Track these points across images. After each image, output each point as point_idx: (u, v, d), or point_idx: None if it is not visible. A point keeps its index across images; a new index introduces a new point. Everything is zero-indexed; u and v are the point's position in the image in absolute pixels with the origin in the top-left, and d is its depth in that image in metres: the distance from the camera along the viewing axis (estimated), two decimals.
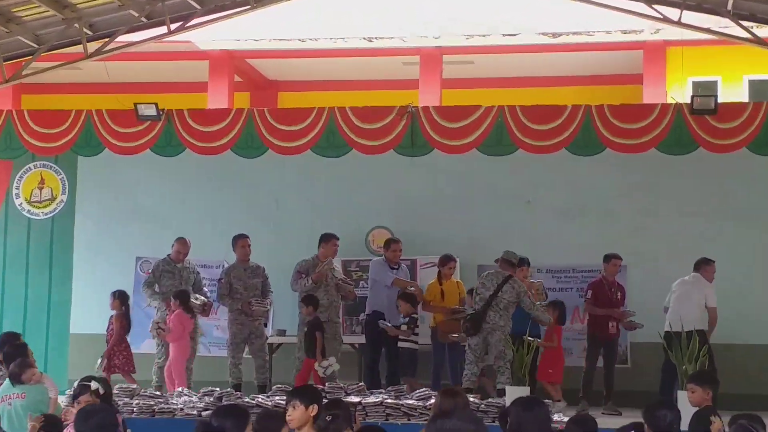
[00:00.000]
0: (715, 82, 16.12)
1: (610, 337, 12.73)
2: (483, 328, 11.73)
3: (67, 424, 6.92)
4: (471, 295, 12.30)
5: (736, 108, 13.35)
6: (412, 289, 12.83)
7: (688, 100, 13.82)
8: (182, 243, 13.12)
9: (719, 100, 13.66)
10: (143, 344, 14.08)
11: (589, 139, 13.64)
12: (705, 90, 15.61)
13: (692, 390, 7.64)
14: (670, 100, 15.19)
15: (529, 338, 10.92)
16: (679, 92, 16.27)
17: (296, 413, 6.43)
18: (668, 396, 11.00)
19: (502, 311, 11.82)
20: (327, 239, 12.87)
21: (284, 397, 10.06)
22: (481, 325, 11.74)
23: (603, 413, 11.61)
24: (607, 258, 12.92)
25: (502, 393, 11.28)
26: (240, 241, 13.04)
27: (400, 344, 12.34)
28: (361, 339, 13.34)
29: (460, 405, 6.71)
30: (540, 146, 14.03)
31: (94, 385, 7.01)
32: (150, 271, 13.33)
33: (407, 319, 12.33)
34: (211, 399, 10.50)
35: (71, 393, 8.05)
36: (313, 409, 6.45)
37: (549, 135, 14.02)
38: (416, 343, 12.41)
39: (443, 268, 12.94)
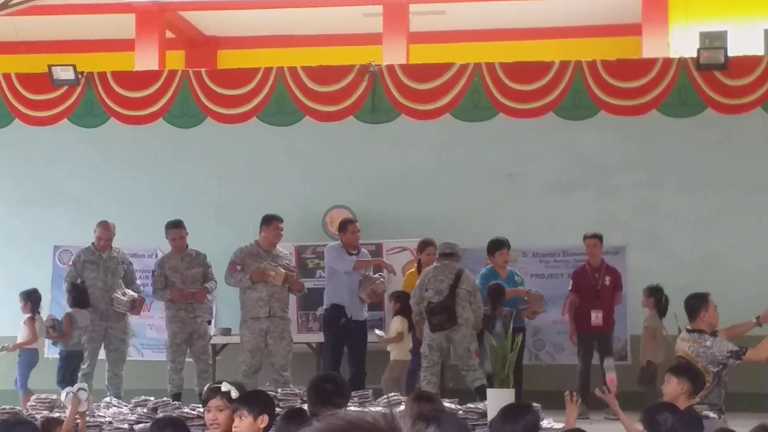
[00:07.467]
0: (725, 32, 16.22)
1: (595, 330, 12.85)
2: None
3: None
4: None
5: (749, 62, 13.49)
6: (378, 274, 12.90)
7: (694, 54, 13.97)
8: (103, 227, 13.02)
9: (730, 54, 13.81)
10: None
11: (580, 100, 13.75)
12: (713, 41, 15.72)
13: (667, 380, 7.88)
14: (673, 54, 15.30)
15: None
16: (683, 45, 16.38)
17: (243, 425, 6.32)
18: None
19: (463, 303, 12.10)
20: (268, 222, 12.82)
21: None
22: (456, 316, 11.98)
23: (605, 418, 11.75)
24: (583, 239, 13.06)
25: (482, 392, 11.46)
26: (171, 231, 12.95)
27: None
28: (319, 337, 13.39)
29: (435, 412, 6.66)
30: (524, 110, 14.14)
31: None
32: (71, 262, 13.29)
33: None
34: (145, 410, 10.51)
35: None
36: (263, 421, 6.31)
37: (534, 96, 14.14)
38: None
39: (422, 254, 13.04)
